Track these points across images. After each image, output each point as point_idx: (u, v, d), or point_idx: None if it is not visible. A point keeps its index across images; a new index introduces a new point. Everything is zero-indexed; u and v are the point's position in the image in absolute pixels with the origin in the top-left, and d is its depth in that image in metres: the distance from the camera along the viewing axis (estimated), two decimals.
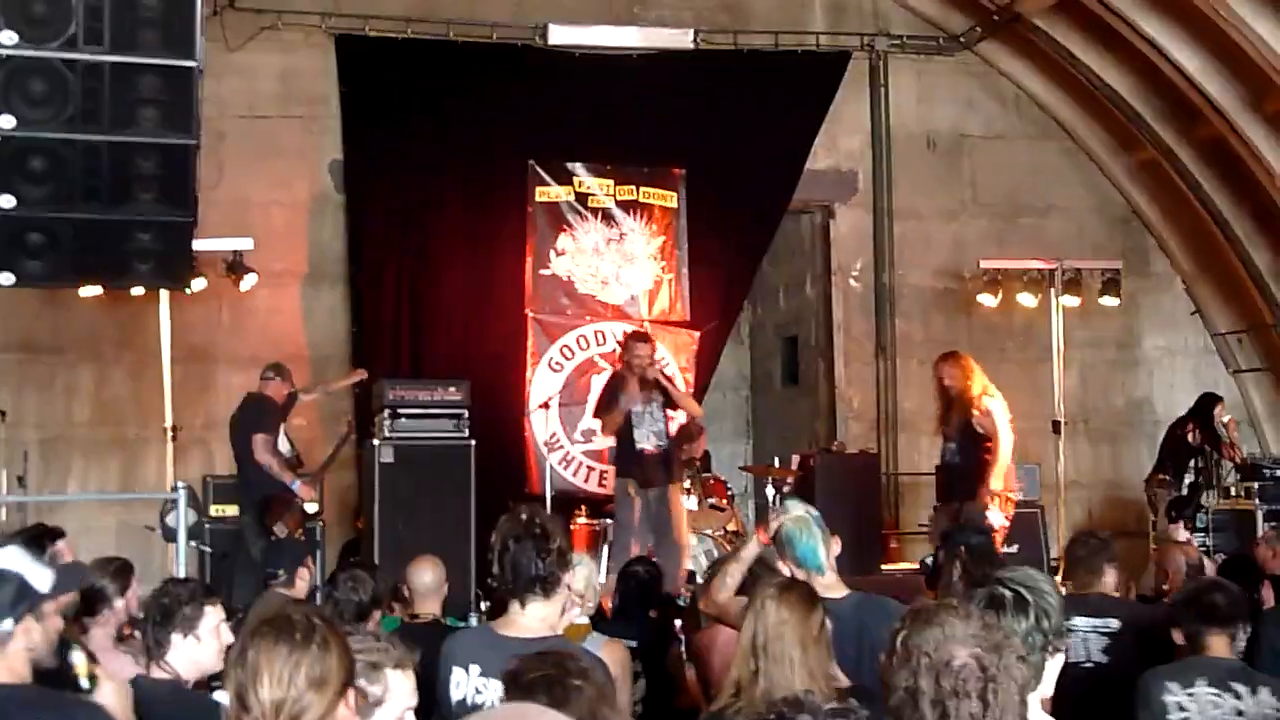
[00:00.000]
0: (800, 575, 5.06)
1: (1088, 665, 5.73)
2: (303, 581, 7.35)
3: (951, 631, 2.77)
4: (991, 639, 2.77)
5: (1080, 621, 5.77)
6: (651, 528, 10.48)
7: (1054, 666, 3.33)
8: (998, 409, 10.24)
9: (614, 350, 12.76)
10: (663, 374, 10.87)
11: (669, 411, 10.75)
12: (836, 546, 5.22)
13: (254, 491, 10.41)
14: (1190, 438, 12.34)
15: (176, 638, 4.65)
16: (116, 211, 6.95)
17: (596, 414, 10.94)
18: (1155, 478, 12.39)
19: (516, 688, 3.52)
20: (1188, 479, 12.27)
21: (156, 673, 4.68)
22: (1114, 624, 5.86)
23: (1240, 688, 4.57)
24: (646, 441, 10.52)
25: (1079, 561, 6.34)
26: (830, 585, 5.05)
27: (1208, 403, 12.51)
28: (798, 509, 5.28)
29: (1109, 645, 5.80)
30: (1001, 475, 10.12)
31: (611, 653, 5.14)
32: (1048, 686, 3.32)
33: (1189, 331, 14.15)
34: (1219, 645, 5.02)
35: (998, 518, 10.02)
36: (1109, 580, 6.18)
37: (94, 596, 5.71)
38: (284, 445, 10.71)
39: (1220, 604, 5.14)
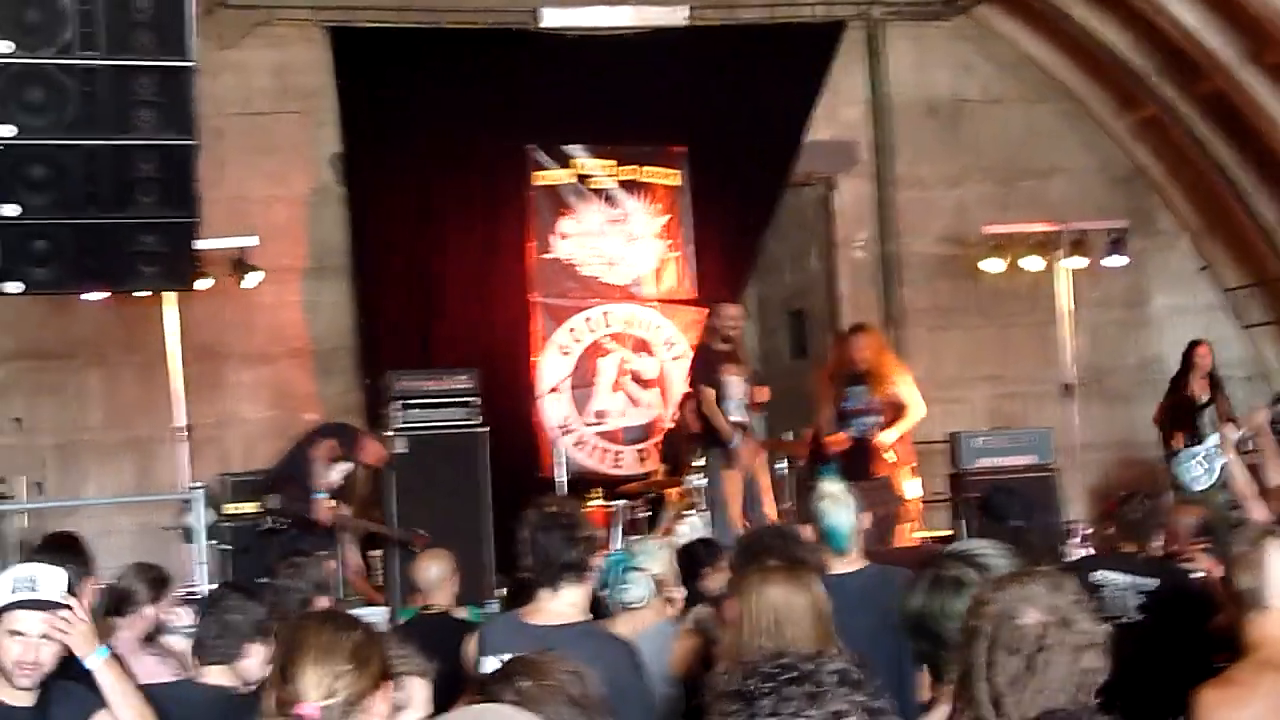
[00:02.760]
0: (823, 550, 5.20)
1: (1124, 621, 5.78)
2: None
3: (1031, 593, 2.82)
4: (1066, 614, 2.79)
5: (1121, 579, 5.87)
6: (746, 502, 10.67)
7: None
8: None
9: (621, 331, 12.81)
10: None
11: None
12: (866, 521, 5.49)
13: (277, 474, 10.49)
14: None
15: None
16: (119, 215, 6.95)
17: (692, 385, 11.13)
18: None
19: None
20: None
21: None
22: (1152, 584, 5.94)
23: None
24: (739, 413, 10.70)
25: (1136, 523, 6.41)
26: (851, 560, 5.29)
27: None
28: (833, 486, 5.52)
29: (1144, 604, 5.90)
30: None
31: (685, 640, 5.23)
32: None
33: (1198, 288, 14.11)
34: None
35: None
36: (1157, 544, 6.29)
37: (124, 597, 5.75)
38: (337, 474, 10.54)
39: None
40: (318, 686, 2.99)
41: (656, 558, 5.56)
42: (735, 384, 10.73)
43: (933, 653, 3.23)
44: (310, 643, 3.05)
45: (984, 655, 2.78)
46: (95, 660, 4.10)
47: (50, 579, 4.18)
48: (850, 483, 10.33)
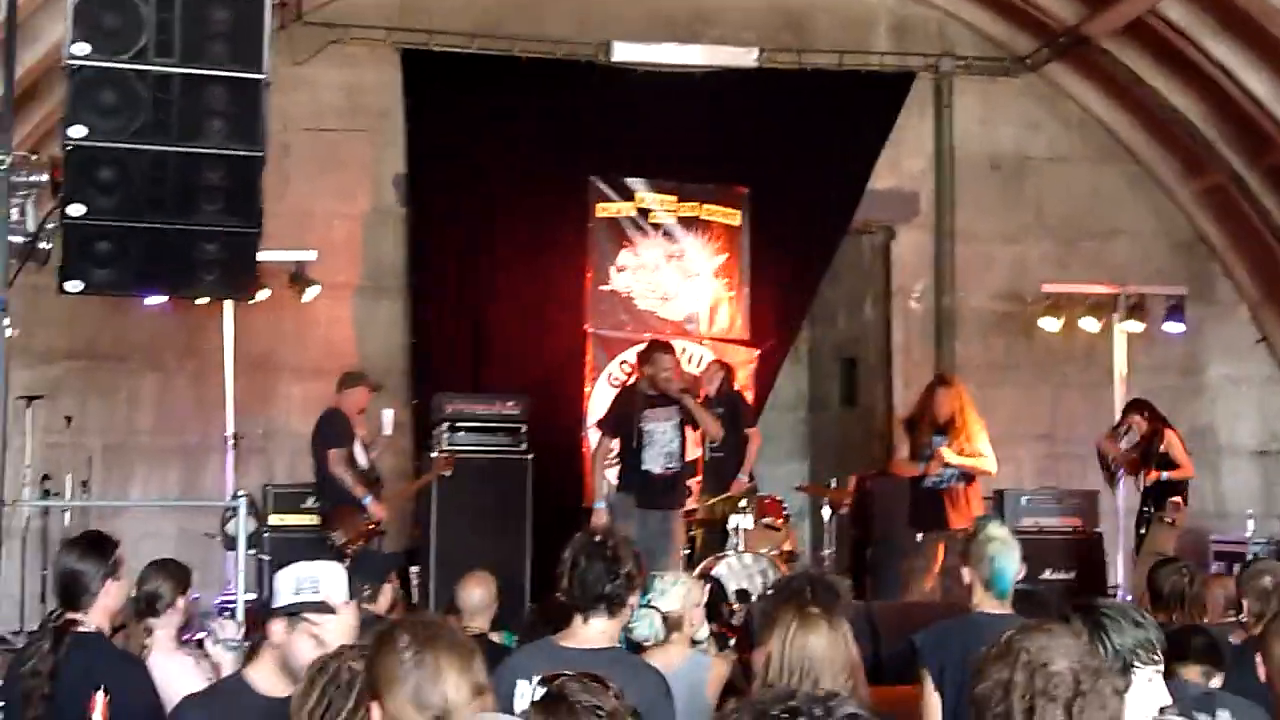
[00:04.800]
0: (979, 590, 5.29)
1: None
2: (385, 598, 7.34)
3: (1058, 642, 2.85)
4: (1093, 663, 2.84)
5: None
6: (647, 550, 10.24)
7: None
8: None
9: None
10: (687, 389, 10.56)
11: (688, 430, 10.51)
12: (1022, 570, 5.46)
13: (327, 503, 10.53)
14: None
15: None
16: (183, 221, 7.02)
17: (607, 432, 10.66)
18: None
19: None
20: None
21: None
22: None
23: (1201, 715, 4.59)
24: (654, 463, 10.33)
25: (1178, 593, 6.33)
26: (1002, 606, 5.30)
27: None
28: (1002, 531, 5.50)
29: None
30: None
31: (717, 668, 5.27)
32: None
33: (1254, 360, 13.97)
34: (1189, 675, 5.01)
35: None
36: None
37: (152, 598, 5.80)
38: (361, 458, 10.69)
39: (1196, 644, 5.17)
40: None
41: (670, 595, 5.60)
42: (660, 431, 10.36)
43: None
44: (450, 668, 3.06)
45: (1021, 704, 2.77)
46: None
47: (332, 579, 4.14)
48: (927, 532, 10.44)
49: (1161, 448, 11.49)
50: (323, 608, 4.04)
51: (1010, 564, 5.31)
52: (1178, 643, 5.14)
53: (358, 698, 3.26)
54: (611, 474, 10.58)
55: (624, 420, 10.44)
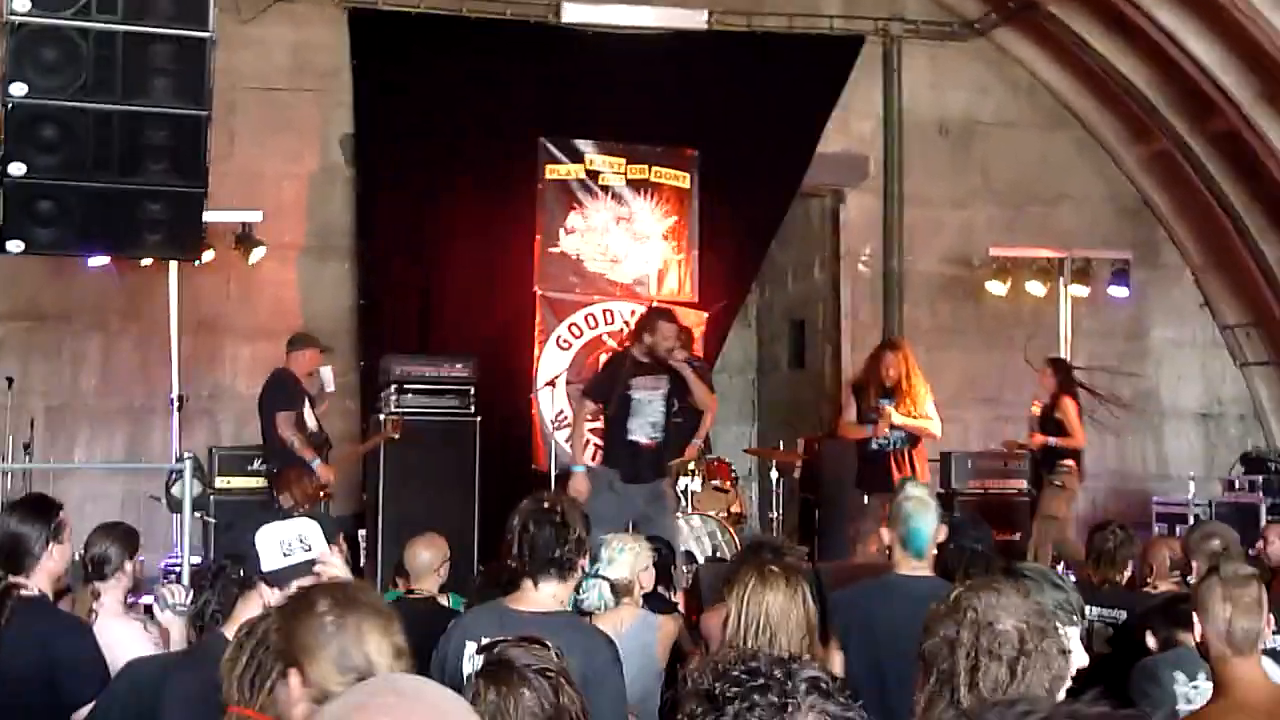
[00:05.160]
0: (898, 550, 5.30)
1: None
2: None
3: (1005, 601, 2.87)
4: (1039, 622, 2.86)
5: (1088, 611, 5.83)
6: (640, 523, 9.56)
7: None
8: None
9: (622, 329, 12.67)
10: (689, 358, 10.11)
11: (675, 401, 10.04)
12: (942, 533, 5.42)
13: (275, 466, 10.48)
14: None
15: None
16: (127, 181, 6.96)
17: (591, 396, 10.10)
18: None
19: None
20: None
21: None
22: (1120, 615, 5.90)
23: None
24: (641, 433, 9.79)
25: (1105, 553, 6.40)
26: (919, 567, 5.28)
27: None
28: (919, 491, 5.51)
29: (1113, 637, 5.83)
30: None
31: (666, 627, 5.32)
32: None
33: (1197, 324, 14.12)
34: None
35: None
36: (1126, 574, 6.26)
37: (100, 562, 5.75)
38: (310, 420, 10.64)
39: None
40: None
41: (619, 563, 5.61)
42: (647, 401, 9.79)
43: None
44: (371, 632, 3.06)
45: (966, 662, 2.79)
46: None
47: (316, 535, 4.13)
48: (874, 494, 10.44)
49: (1056, 414, 11.52)
50: (322, 562, 4.04)
51: (925, 524, 5.28)
52: (1179, 613, 5.21)
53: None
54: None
55: (614, 387, 9.82)
